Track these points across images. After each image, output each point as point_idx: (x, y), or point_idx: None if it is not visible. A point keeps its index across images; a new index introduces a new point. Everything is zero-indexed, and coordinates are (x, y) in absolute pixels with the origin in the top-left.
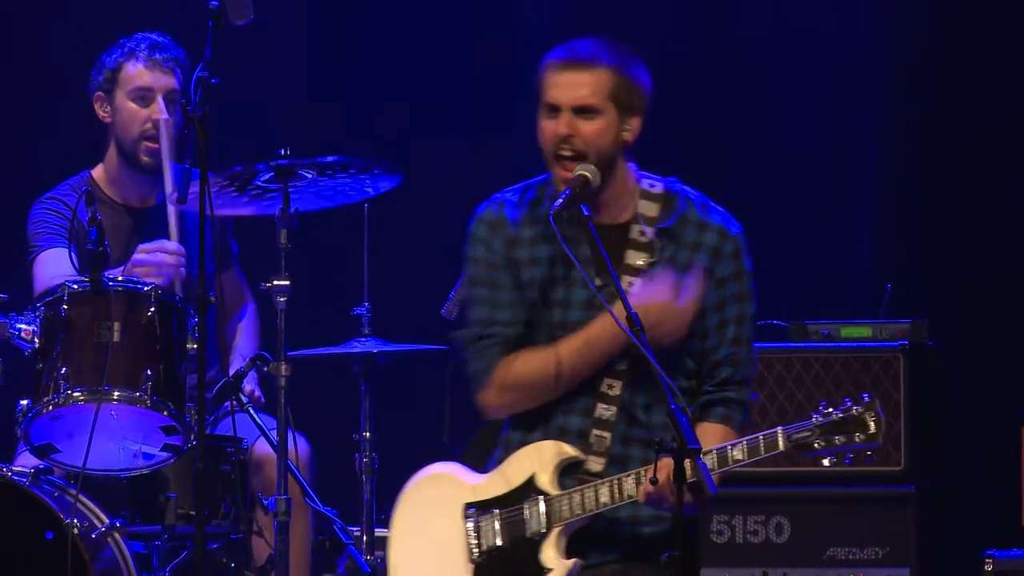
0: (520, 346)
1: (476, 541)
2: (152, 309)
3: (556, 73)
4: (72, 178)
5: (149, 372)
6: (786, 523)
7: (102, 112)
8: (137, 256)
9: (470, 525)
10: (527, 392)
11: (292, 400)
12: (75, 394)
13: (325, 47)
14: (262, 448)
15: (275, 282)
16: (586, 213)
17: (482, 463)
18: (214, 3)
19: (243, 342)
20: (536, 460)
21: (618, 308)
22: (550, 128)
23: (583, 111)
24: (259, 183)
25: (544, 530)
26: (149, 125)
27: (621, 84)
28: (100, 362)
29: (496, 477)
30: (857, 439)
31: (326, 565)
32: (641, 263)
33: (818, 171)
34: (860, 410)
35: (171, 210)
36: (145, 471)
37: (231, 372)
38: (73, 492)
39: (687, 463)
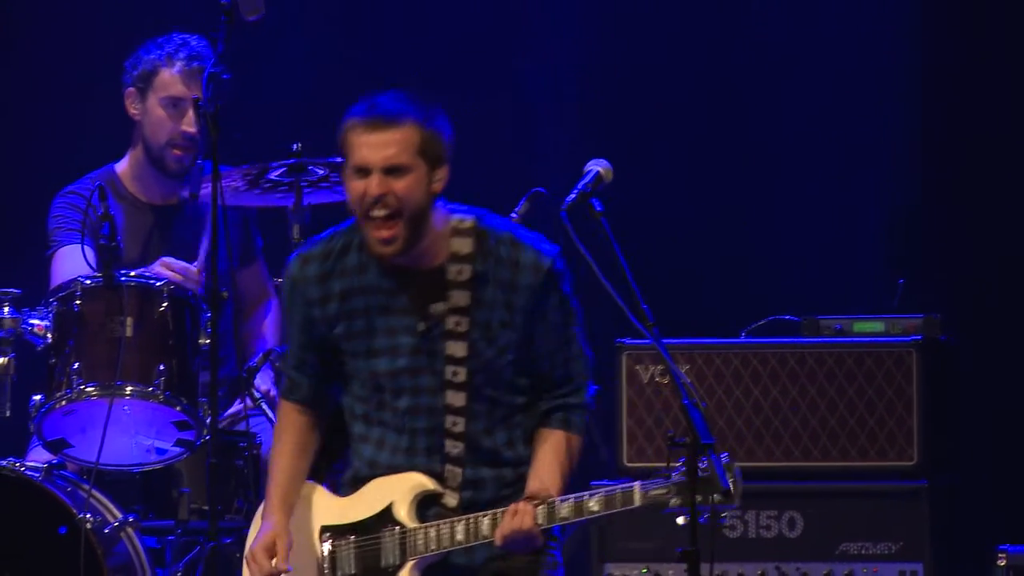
0: (313, 390)
1: (330, 567)
2: (165, 304)
3: (362, 133)
4: (95, 172)
5: (162, 367)
6: (799, 518)
7: (132, 109)
8: (158, 269)
9: (326, 548)
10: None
11: None
12: (88, 389)
13: (337, 41)
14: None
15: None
16: (598, 208)
17: (322, 473)
18: None
19: (263, 339)
20: (396, 489)
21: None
22: (360, 188)
23: (393, 170)
24: (272, 178)
25: (398, 562)
26: (178, 134)
27: (428, 138)
28: (113, 357)
29: (356, 501)
30: (713, 499)
31: None
32: (464, 303)
33: (831, 166)
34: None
35: (205, 242)
36: (158, 466)
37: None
38: (86, 487)
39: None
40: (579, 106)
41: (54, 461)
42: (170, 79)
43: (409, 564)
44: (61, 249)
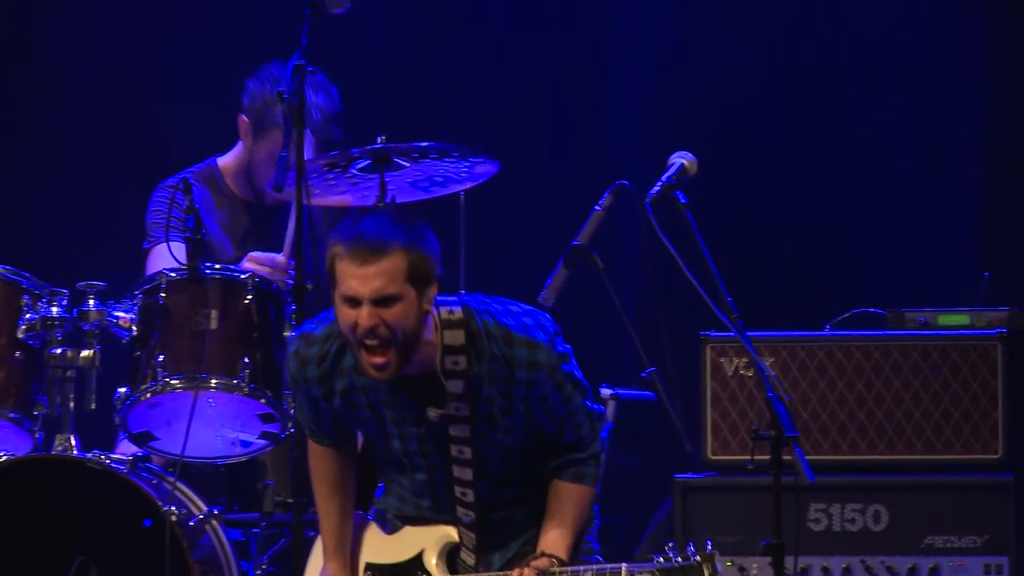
0: (334, 441)
1: None
2: (249, 297)
3: (350, 265)
4: (196, 165)
5: (247, 360)
6: (884, 511)
7: (243, 137)
8: (248, 263)
9: None
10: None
11: None
12: (173, 382)
13: (421, 34)
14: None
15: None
16: (683, 201)
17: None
18: None
19: None
20: (428, 538)
21: None
22: (351, 318)
23: (383, 300)
24: (356, 170)
25: None
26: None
27: (414, 263)
28: (198, 350)
29: (395, 542)
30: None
31: None
32: (464, 411)
33: (918, 159)
34: (699, 560)
35: (291, 227)
36: (243, 459)
37: None
38: (171, 480)
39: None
40: (664, 98)
41: (139, 454)
42: (280, 139)
43: None
44: (159, 245)
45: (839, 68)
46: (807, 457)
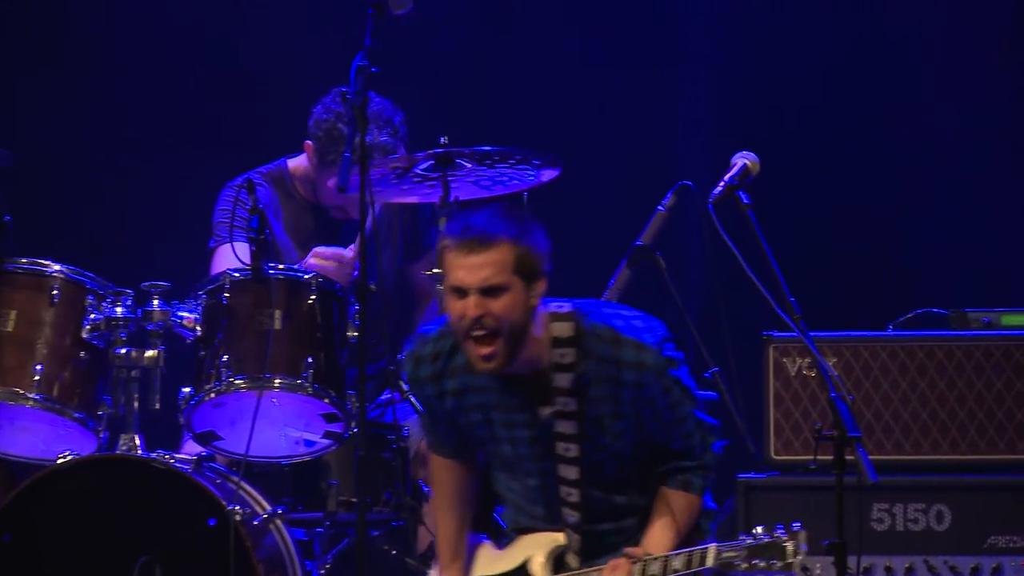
0: (453, 448)
1: None
2: (313, 297)
3: (457, 255)
4: (266, 165)
5: (310, 360)
6: (947, 511)
7: (309, 158)
8: (311, 261)
9: None
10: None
11: None
12: (237, 381)
13: (486, 36)
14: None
15: (435, 269)
16: (745, 201)
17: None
18: None
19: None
20: (534, 545)
21: None
22: (459, 308)
23: (490, 291)
24: (419, 171)
25: None
26: (341, 208)
27: (523, 255)
28: (261, 350)
29: (504, 555)
30: (774, 566)
31: None
32: (572, 408)
33: (980, 159)
34: (785, 538)
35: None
36: (306, 458)
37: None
38: (235, 479)
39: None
40: (727, 99)
41: (204, 453)
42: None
43: None
44: (225, 245)
45: (902, 67)
46: (870, 457)
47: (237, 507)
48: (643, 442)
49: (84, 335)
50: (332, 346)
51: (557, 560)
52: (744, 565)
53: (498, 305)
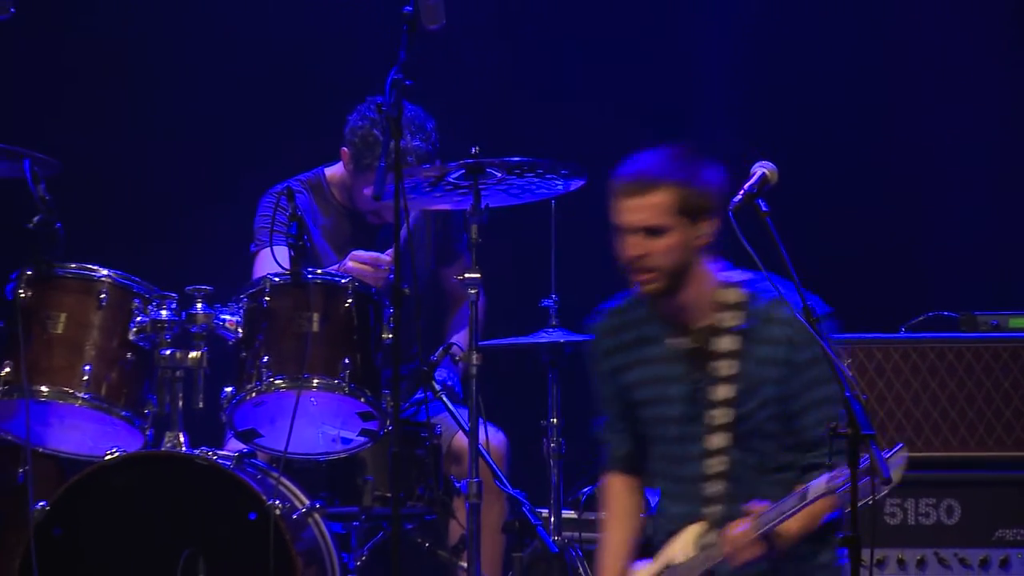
0: (626, 449)
1: None
2: (350, 300)
3: (620, 197)
4: (303, 174)
5: (347, 360)
6: (956, 505)
7: (345, 164)
8: (349, 264)
9: None
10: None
11: (484, 387)
12: (277, 381)
13: (515, 50)
14: (460, 440)
15: (467, 275)
16: (764, 208)
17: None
18: (408, 8)
19: (459, 334)
20: (681, 538)
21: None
22: (622, 246)
23: (651, 231)
24: (451, 180)
25: None
26: (377, 212)
27: (687, 197)
28: (300, 351)
29: (652, 567)
30: (878, 483)
31: (516, 545)
32: (731, 363)
33: (992, 170)
34: (887, 457)
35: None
36: (343, 455)
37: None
38: (275, 475)
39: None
40: (745, 110)
41: (245, 450)
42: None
43: None
44: (265, 249)
45: (914, 72)
46: (883, 454)
47: (277, 502)
48: (785, 417)
49: (131, 337)
50: (368, 347)
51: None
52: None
53: (658, 245)
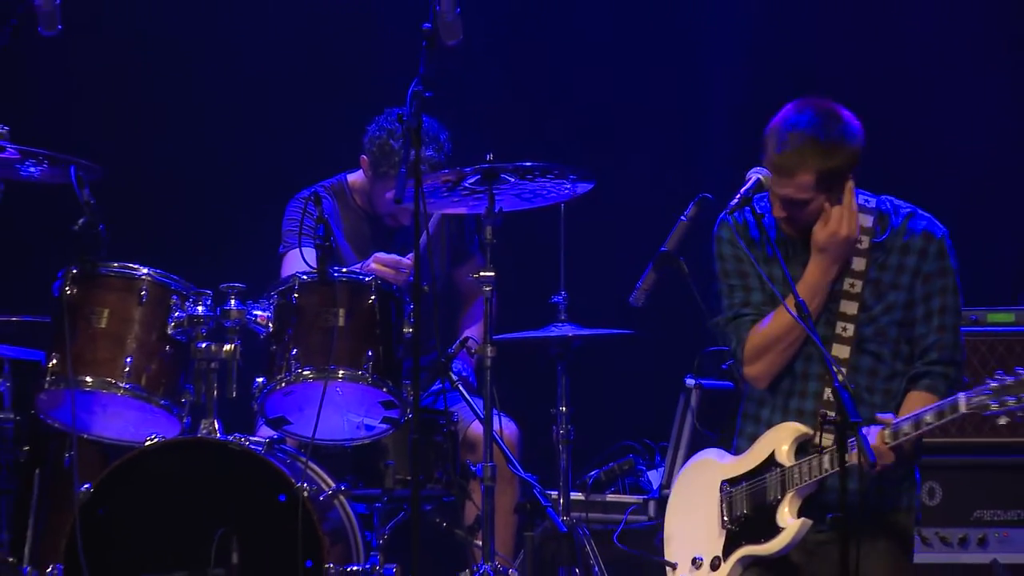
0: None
1: (727, 510)
2: (373, 297)
3: (770, 170)
4: (327, 180)
5: (370, 353)
6: (938, 488)
7: (364, 171)
8: (373, 264)
9: (723, 498)
10: (776, 347)
11: (498, 378)
12: (305, 372)
13: (527, 61)
14: (476, 427)
15: (482, 273)
16: (760, 211)
17: (730, 441)
18: (427, 25)
19: (473, 328)
20: (776, 439)
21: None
22: (771, 200)
23: (792, 204)
24: (467, 185)
25: (780, 496)
26: (394, 216)
27: (825, 175)
28: (327, 344)
29: (746, 457)
30: None
31: (528, 525)
32: (861, 268)
33: (972, 174)
34: None
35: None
36: (367, 441)
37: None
38: (303, 459)
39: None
40: (743, 119)
41: (275, 436)
42: (392, 183)
43: (789, 495)
44: (293, 251)
45: (903, 75)
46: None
47: (305, 484)
48: (906, 324)
49: (169, 331)
50: (389, 341)
51: (800, 448)
52: (995, 405)
53: (801, 212)
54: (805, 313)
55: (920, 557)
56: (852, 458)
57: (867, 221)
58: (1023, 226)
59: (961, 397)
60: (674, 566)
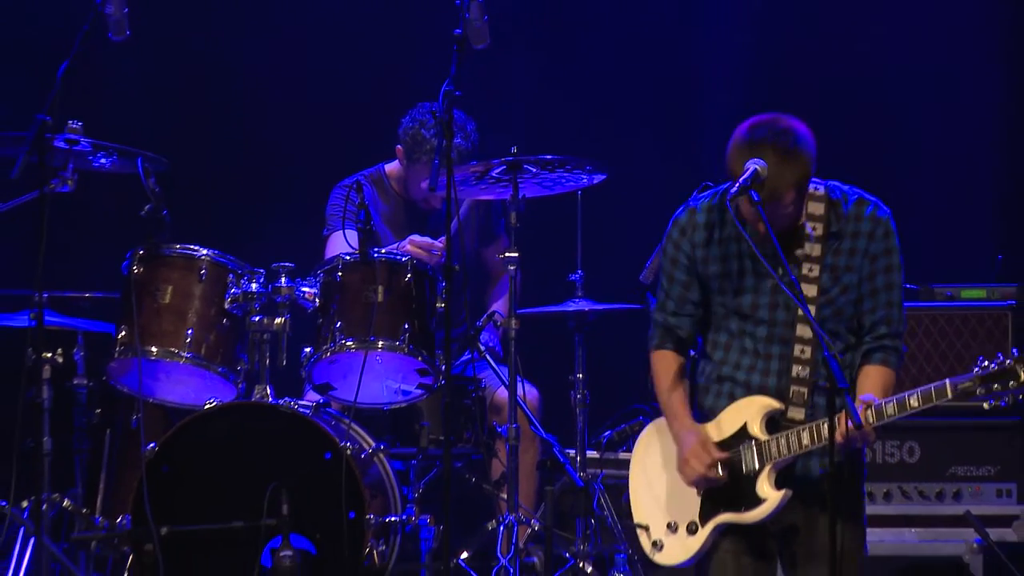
0: (688, 331)
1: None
2: (409, 275)
3: (749, 203)
4: (367, 169)
5: (407, 326)
6: (917, 447)
7: (399, 159)
8: (409, 246)
9: None
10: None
11: (521, 348)
12: (348, 343)
13: (550, 62)
14: (502, 394)
15: (507, 254)
16: (756, 199)
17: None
18: (458, 31)
19: (499, 303)
20: (748, 412)
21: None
22: (747, 215)
23: (777, 215)
24: (494, 175)
25: (757, 467)
26: (427, 200)
27: (799, 190)
28: (368, 317)
29: (716, 426)
30: (1011, 385)
31: (548, 480)
32: (817, 253)
33: (946, 161)
34: (1011, 363)
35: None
36: (403, 405)
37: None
38: (346, 421)
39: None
40: (742, 114)
41: (321, 400)
42: (424, 170)
43: (767, 468)
44: (336, 233)
45: (881, 67)
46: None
47: (348, 444)
48: (858, 302)
49: (226, 306)
50: (424, 315)
51: (770, 422)
52: (980, 390)
53: (781, 217)
54: (797, 289)
55: (901, 509)
56: (840, 426)
57: (818, 209)
58: (994, 210)
59: (948, 383)
60: (647, 528)
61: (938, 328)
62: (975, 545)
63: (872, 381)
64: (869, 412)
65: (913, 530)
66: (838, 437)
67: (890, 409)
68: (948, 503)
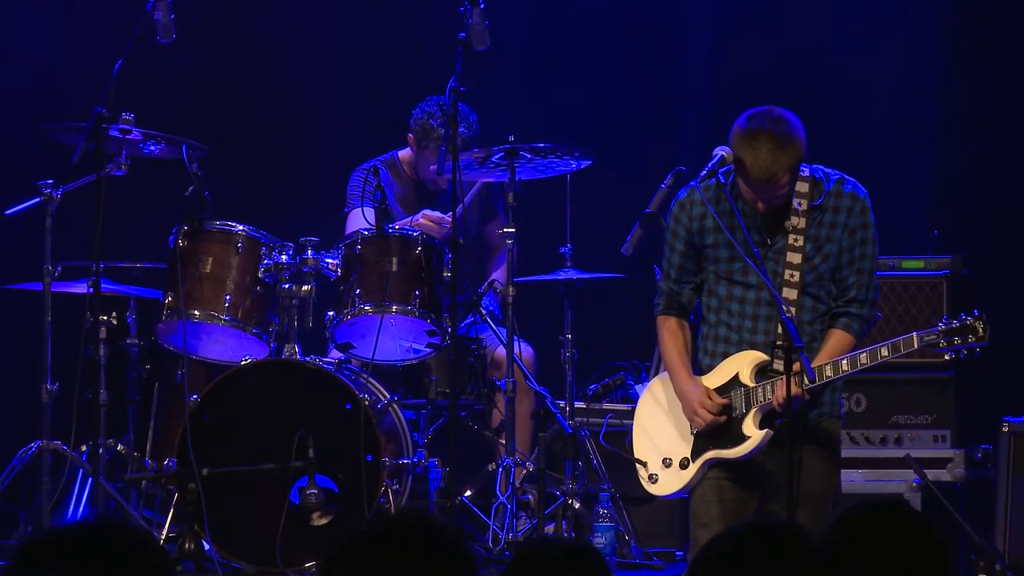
0: (688, 297)
1: None
2: (419, 248)
3: (750, 179)
4: (383, 155)
5: (417, 292)
6: (863, 398)
7: (410, 146)
8: (422, 219)
9: None
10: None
11: (518, 312)
12: (366, 308)
13: (544, 58)
14: (501, 352)
15: (505, 229)
16: (723, 182)
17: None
18: (462, 34)
19: (498, 273)
20: (740, 364)
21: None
22: (745, 194)
23: (773, 196)
24: (494, 160)
25: (745, 410)
26: (436, 181)
27: (795, 166)
28: (383, 285)
29: (712, 376)
30: (970, 339)
31: (541, 427)
32: (802, 225)
33: (884, 147)
34: (972, 320)
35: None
36: (414, 361)
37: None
38: (365, 376)
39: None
40: (713, 104)
41: (343, 358)
42: (433, 155)
43: (752, 411)
44: (355, 210)
45: (834, 63)
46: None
47: (366, 395)
48: (836, 270)
49: (259, 275)
50: (433, 283)
51: (760, 372)
52: (943, 342)
53: (776, 198)
54: (759, 260)
55: (849, 452)
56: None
57: (804, 187)
58: (930, 191)
59: (915, 335)
60: (644, 464)
61: (883, 294)
62: (914, 484)
63: (829, 343)
64: (844, 361)
65: (860, 471)
66: (776, 399)
67: (864, 358)
68: (890, 447)
